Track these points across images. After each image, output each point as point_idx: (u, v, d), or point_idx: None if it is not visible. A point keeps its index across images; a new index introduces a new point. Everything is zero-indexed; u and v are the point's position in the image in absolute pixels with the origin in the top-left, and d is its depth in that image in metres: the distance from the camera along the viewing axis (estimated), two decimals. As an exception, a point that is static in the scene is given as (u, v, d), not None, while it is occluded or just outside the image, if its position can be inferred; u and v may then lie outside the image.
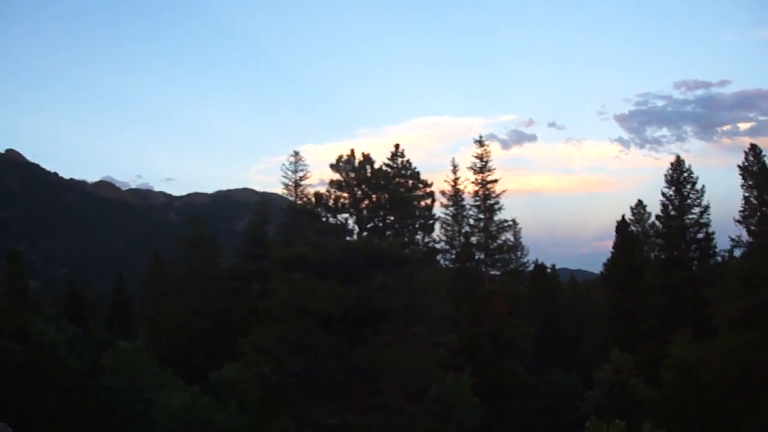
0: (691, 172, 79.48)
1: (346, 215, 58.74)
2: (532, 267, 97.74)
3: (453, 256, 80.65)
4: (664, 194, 79.80)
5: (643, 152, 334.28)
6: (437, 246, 76.14)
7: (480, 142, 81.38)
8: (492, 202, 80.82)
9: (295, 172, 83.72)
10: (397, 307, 50.71)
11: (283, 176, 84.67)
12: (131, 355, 60.59)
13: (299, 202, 75.55)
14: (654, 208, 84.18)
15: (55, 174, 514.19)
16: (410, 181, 73.46)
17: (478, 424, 53.24)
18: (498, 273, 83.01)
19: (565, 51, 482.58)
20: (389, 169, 72.49)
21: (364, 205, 58.73)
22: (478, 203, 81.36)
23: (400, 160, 74.63)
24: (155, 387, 58.18)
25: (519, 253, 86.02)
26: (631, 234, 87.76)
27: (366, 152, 60.59)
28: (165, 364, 63.76)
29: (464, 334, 66.02)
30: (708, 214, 78.77)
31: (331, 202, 56.44)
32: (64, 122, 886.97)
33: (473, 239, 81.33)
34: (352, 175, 59.33)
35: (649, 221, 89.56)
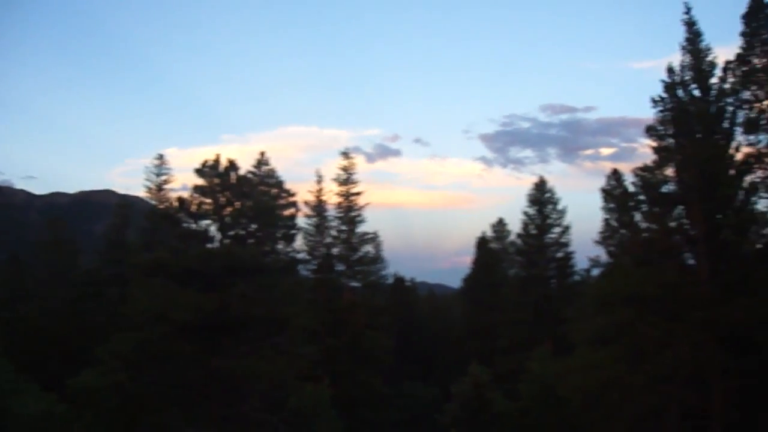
0: (553, 193, 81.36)
1: (208, 221, 57.85)
2: (392, 280, 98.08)
3: (314, 267, 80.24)
4: (525, 213, 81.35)
5: (506, 171, 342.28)
6: (299, 256, 75.62)
7: (345, 155, 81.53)
8: (354, 214, 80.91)
9: (158, 175, 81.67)
10: (257, 317, 50.19)
11: (146, 179, 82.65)
12: (-17, 361, 58.07)
13: (161, 206, 73.79)
14: (514, 226, 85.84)
15: None
16: (274, 190, 72.96)
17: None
18: (358, 285, 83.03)
19: (433, 69, 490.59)
20: (254, 177, 71.84)
21: (226, 212, 57.94)
22: (340, 215, 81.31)
23: (265, 168, 74.12)
24: (9, 394, 55.78)
25: (379, 266, 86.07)
26: (490, 250, 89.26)
27: (231, 158, 59.84)
28: (21, 370, 61.25)
29: (323, 345, 65.75)
30: (568, 234, 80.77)
31: (193, 207, 55.55)
32: None
33: (335, 250, 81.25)
34: (216, 181, 58.43)
35: (509, 239, 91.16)
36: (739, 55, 50.29)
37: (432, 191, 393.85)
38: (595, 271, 71.45)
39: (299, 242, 76.17)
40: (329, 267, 79.65)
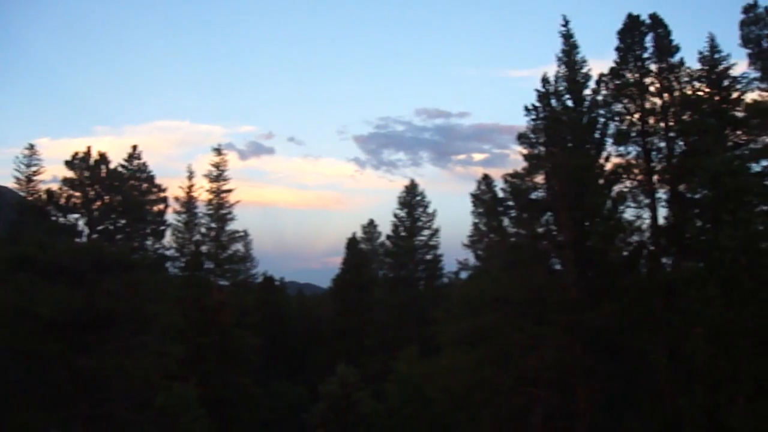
0: (424, 196, 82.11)
1: (77, 215, 56.42)
2: (261, 279, 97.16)
3: (183, 264, 78.81)
4: (396, 215, 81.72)
5: (379, 173, 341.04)
6: (167, 253, 74.22)
7: (218, 151, 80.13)
8: (225, 211, 79.68)
9: (28, 165, 78.70)
10: (123, 314, 49.08)
11: (16, 169, 79.66)
12: None
13: (31, 198, 71.27)
14: (385, 228, 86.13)
15: None
16: (145, 185, 71.44)
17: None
18: (227, 283, 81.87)
19: (310, 68, 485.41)
20: (125, 171, 70.23)
21: (96, 206, 56.64)
22: (211, 212, 79.96)
23: (136, 162, 72.37)
24: None
25: (249, 265, 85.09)
26: (360, 251, 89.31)
27: (103, 151, 58.54)
28: None
29: (191, 343, 64.63)
30: (437, 237, 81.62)
31: (62, 200, 54.08)
32: None
33: (204, 248, 79.89)
34: (87, 174, 57.07)
35: (379, 240, 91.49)
36: (612, 69, 51.59)
37: (304, 191, 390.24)
38: (464, 274, 72.35)
39: (168, 239, 74.87)
40: (198, 265, 78.24)
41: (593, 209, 47.12)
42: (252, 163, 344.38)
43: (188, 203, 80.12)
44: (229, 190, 79.46)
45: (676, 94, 50.91)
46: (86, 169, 58.63)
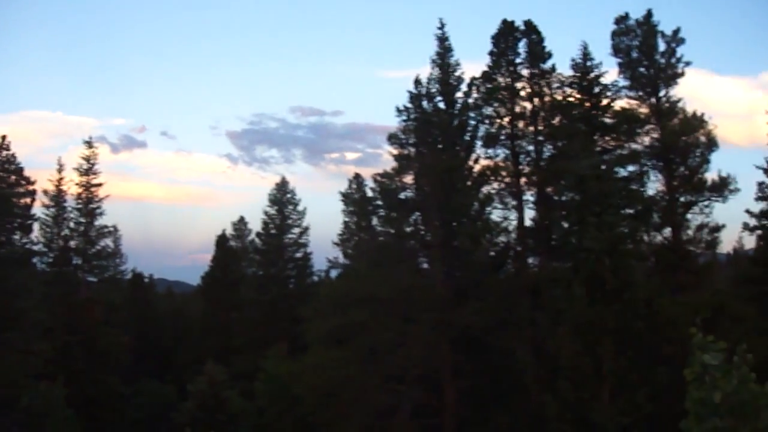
0: (295, 194, 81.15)
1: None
2: (130, 275, 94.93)
3: (50, 260, 76.37)
4: (266, 213, 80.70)
5: (251, 170, 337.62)
6: (35, 248, 71.81)
7: (88, 144, 77.52)
8: (94, 206, 77.18)
9: None
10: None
11: None
12: None
13: None
14: (256, 225, 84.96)
15: None
16: (13, 177, 68.93)
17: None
18: (95, 280, 79.69)
19: (184, 61, 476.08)
20: (-9, 162, 67.79)
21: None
22: (80, 206, 77.63)
23: (5, 153, 69.80)
24: None
25: (118, 261, 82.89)
26: (230, 249, 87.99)
27: (-32, 142, 56.36)
28: None
29: (58, 341, 62.66)
30: (307, 235, 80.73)
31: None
32: None
33: (72, 243, 77.55)
34: (-49, 164, 55.00)
35: (250, 238, 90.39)
36: (485, 73, 52.07)
37: (176, 186, 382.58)
38: (334, 273, 72.06)
39: (36, 233, 72.39)
40: (66, 260, 75.95)
41: (461, 210, 47.43)
42: (124, 157, 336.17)
43: (57, 197, 77.35)
44: (99, 184, 76.95)
45: (547, 99, 51.78)
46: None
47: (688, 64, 51.25)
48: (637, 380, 35.72)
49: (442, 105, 50.40)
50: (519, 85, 51.80)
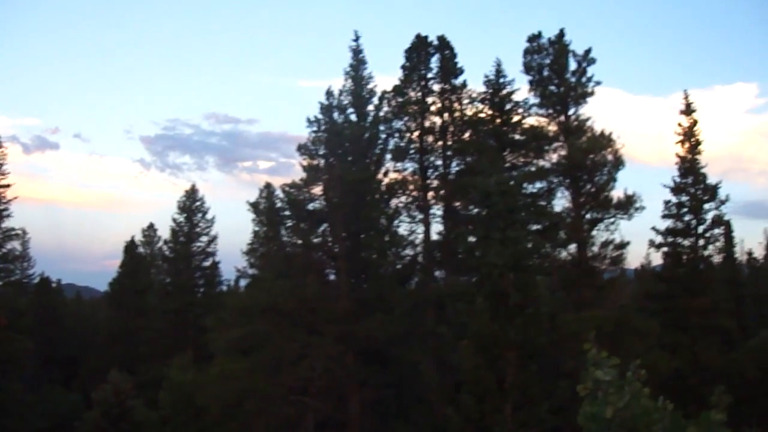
0: (204, 202, 79.82)
1: None
2: (37, 280, 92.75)
3: (-46, 263, 74.18)
4: (175, 220, 79.31)
5: (163, 176, 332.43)
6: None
7: (-1, 143, 75.74)
8: (1, 207, 75.38)
9: None
10: None
11: None
12: None
13: None
14: (167, 232, 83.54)
15: None
16: None
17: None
18: (0, 283, 77.67)
19: (101, 63, 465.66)
20: None
21: None
22: (-13, 207, 75.56)
23: None
24: None
25: (25, 264, 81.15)
26: (138, 255, 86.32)
27: None
28: None
29: (-42, 346, 60.85)
30: (215, 244, 79.56)
31: None
32: None
33: (-23, 245, 75.48)
34: None
35: (159, 245, 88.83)
36: (396, 87, 51.88)
37: (88, 190, 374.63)
38: (243, 282, 71.27)
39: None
40: (-30, 263, 73.97)
41: (369, 222, 47.14)
42: (36, 158, 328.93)
43: (-36, 197, 75.42)
44: (8, 185, 75.01)
45: (457, 114, 51.79)
46: None
47: (598, 83, 51.35)
48: (540, 394, 35.63)
49: (353, 117, 50.10)
50: (430, 99, 51.81)
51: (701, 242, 51.09)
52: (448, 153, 51.34)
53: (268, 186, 67.31)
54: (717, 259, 56.20)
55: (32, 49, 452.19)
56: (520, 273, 37.41)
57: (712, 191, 50.27)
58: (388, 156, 51.30)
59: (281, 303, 44.57)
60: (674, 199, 51.10)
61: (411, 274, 50.83)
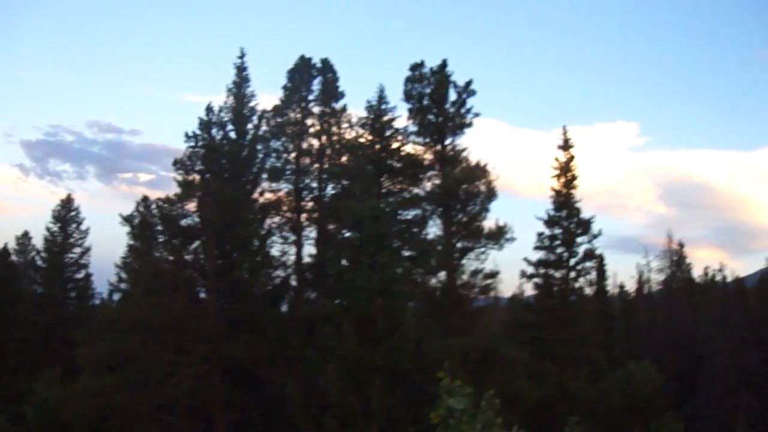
0: (79, 212, 77.83)
1: None
2: None
3: None
4: (49, 229, 77.32)
5: (43, 183, 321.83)
6: None
7: None
8: None
9: None
10: None
11: None
12: None
13: None
14: (41, 241, 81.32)
15: None
16: None
17: None
18: None
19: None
20: None
21: None
22: None
23: None
24: None
25: None
26: (11, 264, 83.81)
27: None
28: None
29: None
30: (89, 256, 77.57)
31: None
32: None
33: None
34: None
35: (32, 254, 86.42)
36: (276, 107, 51.60)
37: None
38: (116, 296, 69.80)
39: None
40: None
41: (242, 241, 46.59)
42: None
43: None
44: None
45: (335, 138, 51.77)
46: None
47: (477, 115, 51.71)
48: (405, 419, 35.73)
49: (233, 134, 49.56)
50: (309, 121, 51.64)
51: (572, 274, 51.42)
52: (324, 176, 51.20)
53: (145, 199, 66.03)
54: (589, 291, 56.90)
55: None
56: (388, 298, 37.45)
57: (585, 225, 50.61)
58: (264, 175, 50.88)
59: (149, 319, 43.58)
60: (547, 231, 51.31)
61: (282, 295, 50.45)
